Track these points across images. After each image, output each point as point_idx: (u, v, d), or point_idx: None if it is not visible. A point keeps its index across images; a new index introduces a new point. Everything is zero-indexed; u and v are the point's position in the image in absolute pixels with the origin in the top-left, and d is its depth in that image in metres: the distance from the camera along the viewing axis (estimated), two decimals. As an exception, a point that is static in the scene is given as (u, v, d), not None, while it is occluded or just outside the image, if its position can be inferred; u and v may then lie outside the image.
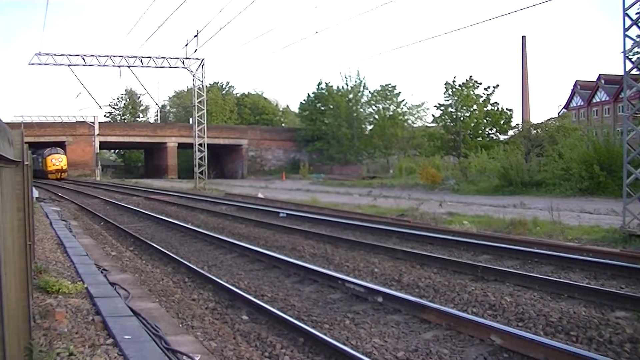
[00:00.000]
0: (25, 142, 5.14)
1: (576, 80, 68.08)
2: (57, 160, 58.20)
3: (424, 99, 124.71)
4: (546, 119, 45.64)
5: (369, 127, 65.59)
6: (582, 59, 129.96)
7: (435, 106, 50.24)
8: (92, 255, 10.41)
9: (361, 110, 65.82)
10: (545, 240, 12.40)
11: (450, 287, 8.39)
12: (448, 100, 48.68)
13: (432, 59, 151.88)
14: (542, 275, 8.99)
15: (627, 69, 12.99)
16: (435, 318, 6.78)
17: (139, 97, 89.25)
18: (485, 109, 47.99)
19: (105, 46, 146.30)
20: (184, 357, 5.03)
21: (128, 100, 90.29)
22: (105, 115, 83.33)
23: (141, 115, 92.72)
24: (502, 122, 48.36)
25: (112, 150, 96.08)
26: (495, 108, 48.28)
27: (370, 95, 64.82)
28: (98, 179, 57.77)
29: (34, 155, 61.50)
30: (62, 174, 58.03)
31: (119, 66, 40.03)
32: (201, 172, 40.41)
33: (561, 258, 10.11)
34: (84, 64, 39.93)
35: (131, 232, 15.30)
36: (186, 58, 39.57)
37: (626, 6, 12.69)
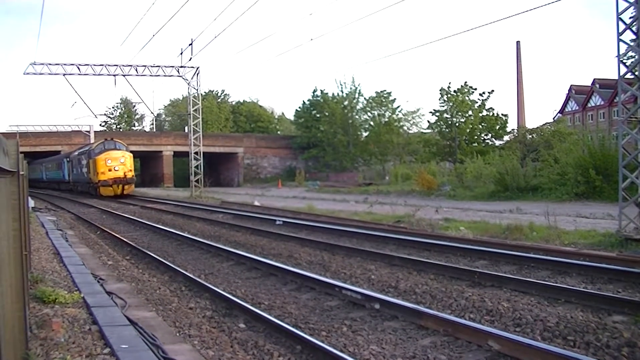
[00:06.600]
0: (21, 152, 5.14)
1: (571, 85, 68.29)
2: (116, 162, 36.17)
3: (419, 105, 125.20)
4: (541, 124, 45.83)
5: (365, 134, 65.56)
6: (577, 64, 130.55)
7: (431, 112, 50.56)
8: (88, 265, 10.40)
9: (356, 117, 65.78)
10: (541, 245, 12.42)
11: (447, 293, 8.39)
12: (443, 106, 48.81)
13: (427, 65, 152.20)
14: (539, 280, 9.00)
15: (621, 73, 13.05)
16: (433, 324, 6.76)
17: (134, 106, 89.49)
18: (480, 114, 48.09)
19: (100, 55, 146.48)
20: (182, 366, 5.01)
21: (123, 109, 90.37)
22: (100, 125, 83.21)
23: (137, 124, 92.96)
24: (497, 127, 48.51)
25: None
26: (491, 113, 48.42)
27: (365, 102, 64.92)
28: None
29: (70, 157, 44.37)
30: (127, 186, 36.65)
31: (114, 75, 39.93)
32: (197, 181, 40.29)
33: (558, 263, 10.12)
34: (79, 73, 39.82)
35: (127, 241, 15.25)
36: (181, 66, 39.53)
37: (620, 11, 12.78)
